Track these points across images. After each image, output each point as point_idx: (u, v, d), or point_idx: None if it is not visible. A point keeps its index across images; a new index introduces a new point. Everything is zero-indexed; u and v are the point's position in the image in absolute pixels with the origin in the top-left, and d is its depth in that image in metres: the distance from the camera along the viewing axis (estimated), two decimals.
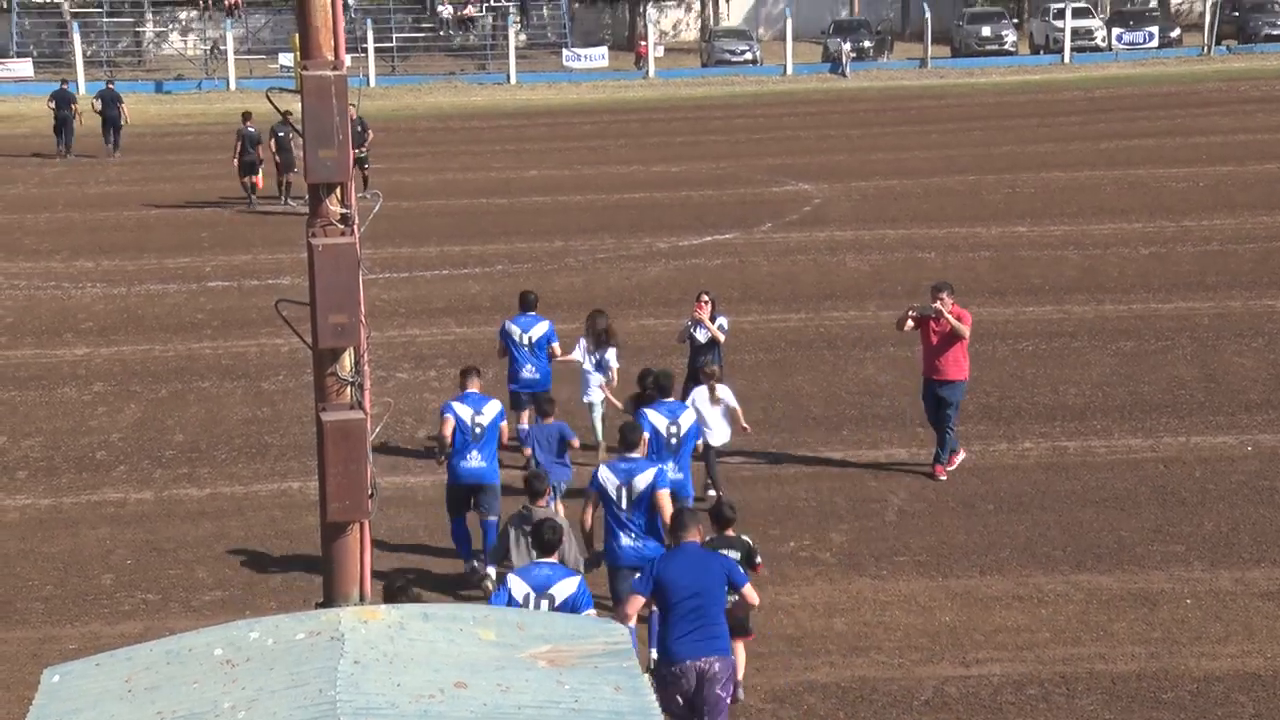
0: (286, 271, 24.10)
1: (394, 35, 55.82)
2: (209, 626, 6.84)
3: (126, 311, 22.12)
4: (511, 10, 55.58)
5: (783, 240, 25.65)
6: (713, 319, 14.98)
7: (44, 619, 12.13)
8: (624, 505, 10.63)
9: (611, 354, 15.08)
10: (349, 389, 7.56)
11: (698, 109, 45.32)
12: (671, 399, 12.48)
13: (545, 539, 9.35)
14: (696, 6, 64.91)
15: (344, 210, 7.53)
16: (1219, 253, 23.67)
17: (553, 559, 9.29)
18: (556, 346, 14.99)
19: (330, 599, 7.47)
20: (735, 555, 9.72)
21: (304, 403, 16.92)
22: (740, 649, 9.94)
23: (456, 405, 12.52)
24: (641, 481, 10.62)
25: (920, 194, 29.60)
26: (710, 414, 13.43)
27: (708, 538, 9.68)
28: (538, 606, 8.91)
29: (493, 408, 12.54)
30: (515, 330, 14.93)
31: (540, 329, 14.92)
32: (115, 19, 57.74)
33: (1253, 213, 26.54)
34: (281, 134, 28.88)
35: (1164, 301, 20.83)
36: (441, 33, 56.81)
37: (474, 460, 12.37)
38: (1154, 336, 19.16)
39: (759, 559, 10.31)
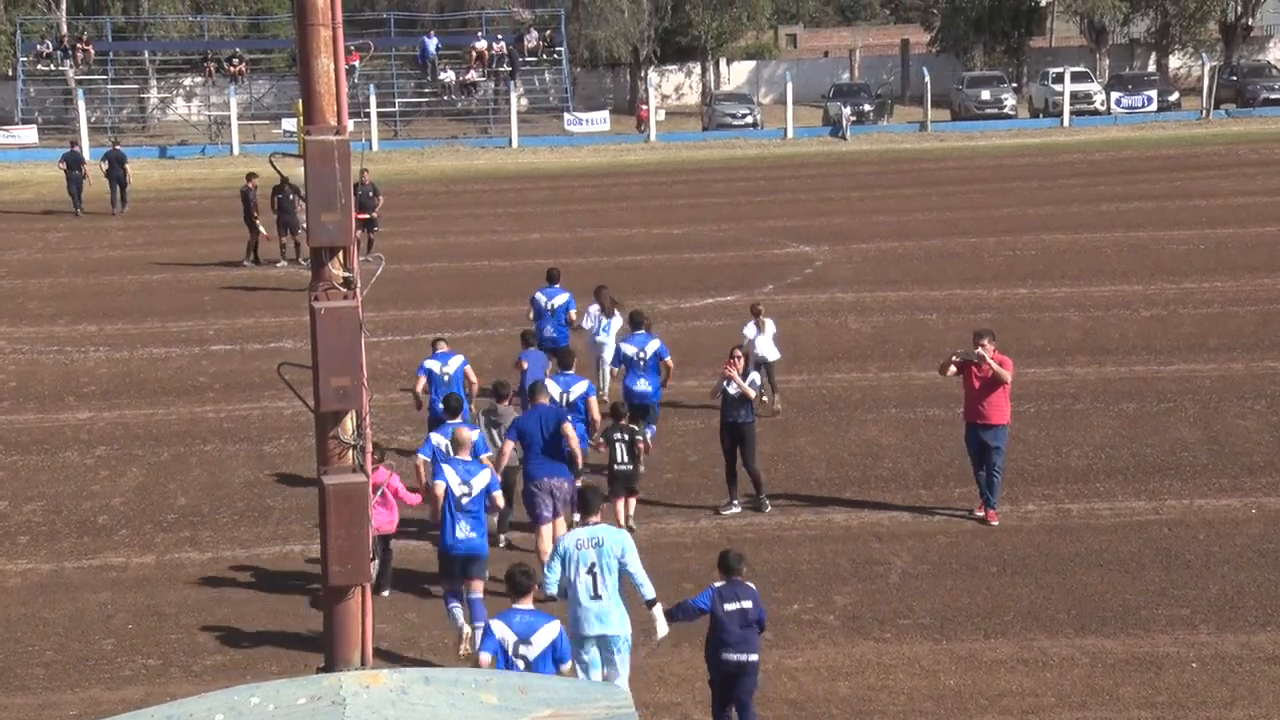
0: (289, 335, 24.16)
1: (396, 100, 56.27)
2: (210, 692, 6.81)
3: (129, 375, 22.16)
4: (514, 79, 56.03)
5: (784, 302, 25.72)
6: (745, 375, 15.25)
7: (44, 685, 12.08)
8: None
9: (616, 321, 18.74)
10: (351, 452, 7.57)
11: (699, 172, 45.58)
12: (642, 331, 16.89)
13: (519, 584, 9.69)
14: (697, 70, 65.47)
15: (346, 274, 7.58)
16: (1220, 315, 23.72)
17: (528, 603, 9.58)
18: (573, 313, 19.08)
19: (332, 664, 7.44)
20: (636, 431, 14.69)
21: (306, 466, 16.91)
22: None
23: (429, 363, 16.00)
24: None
25: (921, 256, 29.70)
26: (762, 341, 18.47)
27: None
28: (517, 654, 9.35)
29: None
30: (541, 298, 19.20)
31: (561, 298, 19.11)
32: (120, 85, 58.23)
33: (1254, 275, 26.62)
34: (282, 195, 29.25)
35: (1166, 363, 20.85)
36: (444, 97, 57.26)
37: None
38: (1156, 398, 19.17)
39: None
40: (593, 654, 10.41)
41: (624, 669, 10.47)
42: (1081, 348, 21.88)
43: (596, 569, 10.49)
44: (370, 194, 30.04)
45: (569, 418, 13.76)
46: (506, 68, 56.71)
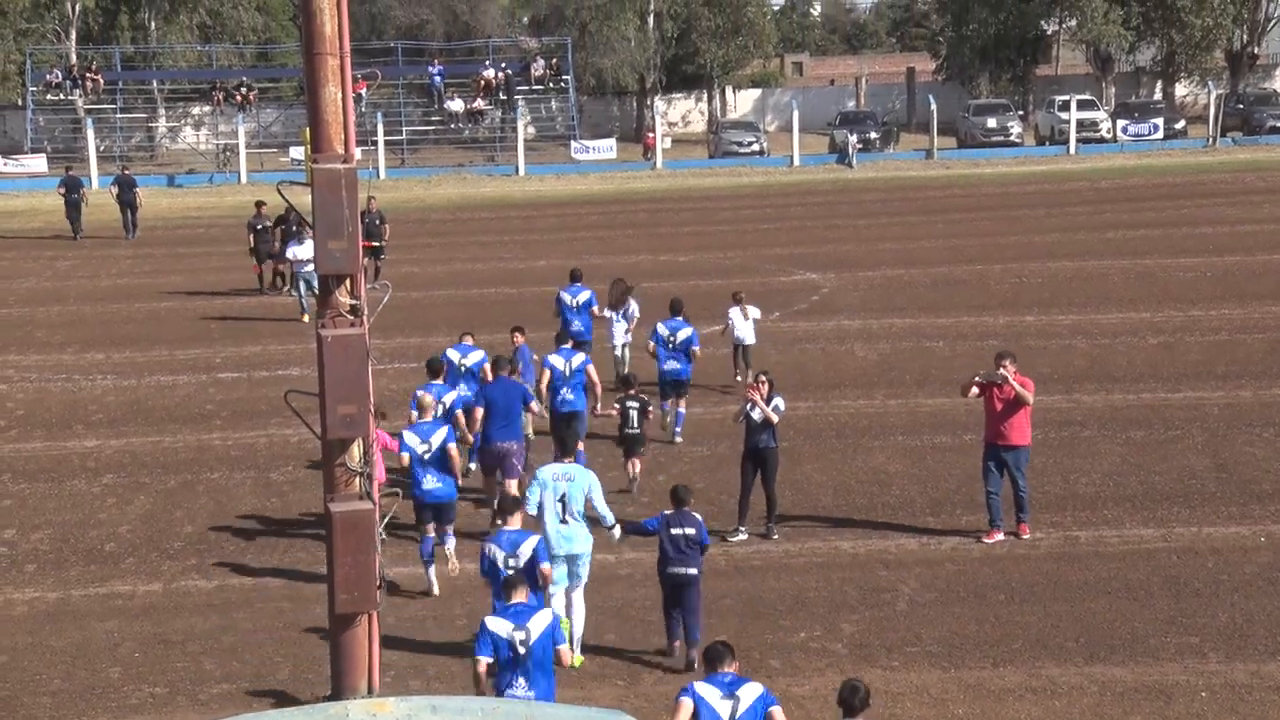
0: (296, 362, 24.20)
1: (404, 128, 56.49)
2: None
3: (136, 403, 22.19)
4: (520, 103, 56.23)
5: (791, 329, 25.72)
6: (769, 400, 15.27)
7: (51, 713, 12.06)
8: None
9: (634, 306, 21.41)
10: (358, 480, 7.58)
11: (705, 199, 45.66)
12: (679, 318, 19.29)
13: (507, 506, 12.04)
14: (704, 98, 65.68)
15: (353, 301, 7.61)
16: (1228, 342, 23.69)
17: (515, 523, 11.64)
18: (596, 309, 21.31)
19: (339, 691, 7.44)
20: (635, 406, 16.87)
21: (313, 494, 16.90)
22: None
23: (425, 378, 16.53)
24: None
25: (928, 283, 29.72)
26: (743, 326, 21.14)
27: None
28: (508, 565, 11.19)
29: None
30: (566, 296, 21.29)
31: (584, 295, 21.26)
32: (128, 114, 58.50)
33: (1261, 302, 26.61)
34: (260, 227, 30.11)
35: (1173, 391, 20.83)
36: (451, 125, 57.47)
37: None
38: (1164, 426, 19.14)
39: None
40: (561, 569, 12.39)
41: (584, 575, 12.71)
42: (1089, 375, 21.86)
43: (567, 498, 12.74)
44: (377, 222, 30.14)
45: (530, 394, 16.41)
46: (504, 96, 56.87)
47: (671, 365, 19.17)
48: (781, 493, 15.98)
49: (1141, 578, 14.07)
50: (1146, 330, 24.71)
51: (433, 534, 14.46)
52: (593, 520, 12.81)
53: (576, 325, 20.87)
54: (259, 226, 30.26)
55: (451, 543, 14.50)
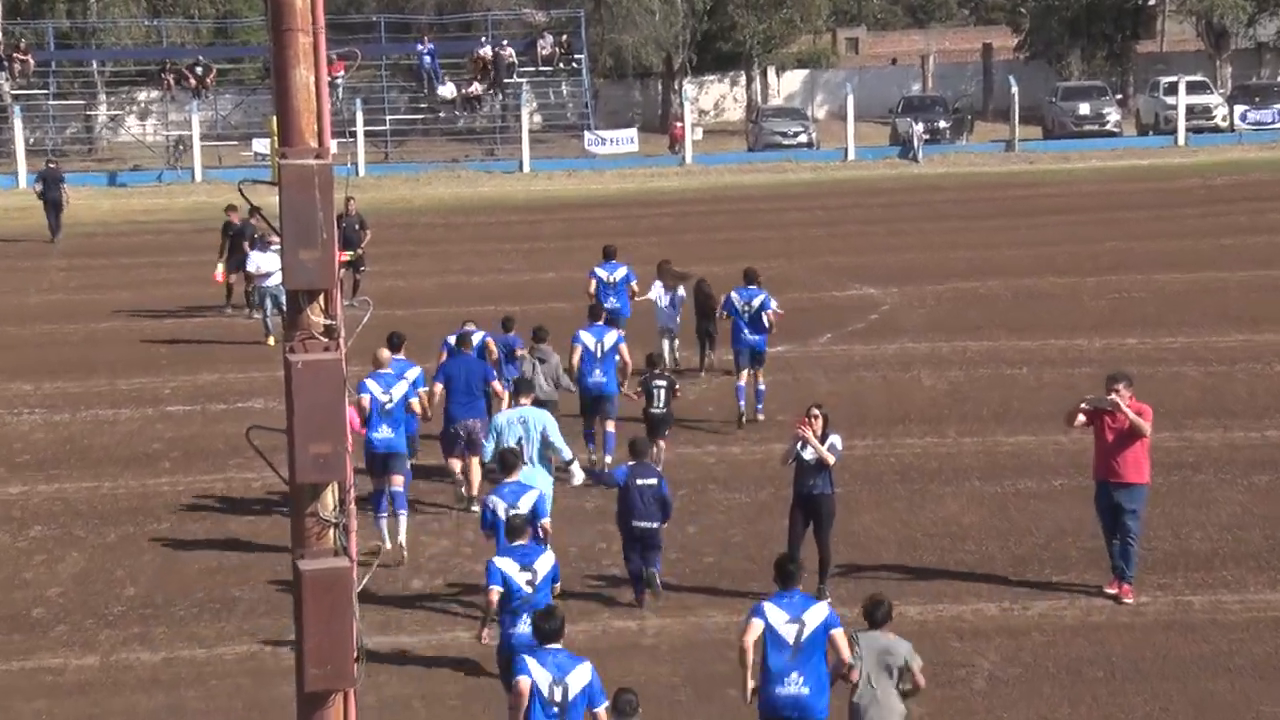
0: (259, 393, 24.26)
1: (387, 116, 56.75)
2: None
3: (70, 441, 22.27)
4: (525, 88, 56.44)
5: (845, 354, 25.69)
6: (823, 438, 15.23)
7: None
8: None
9: (680, 291, 23.93)
10: (332, 532, 7.58)
11: (743, 200, 45.70)
12: (753, 286, 21.41)
13: (508, 462, 14.42)
14: (741, 81, 65.84)
15: (328, 321, 7.62)
16: None
17: (515, 477, 13.90)
18: (635, 285, 23.93)
19: None
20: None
21: (279, 549, 16.91)
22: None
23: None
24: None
25: (1009, 299, 29.66)
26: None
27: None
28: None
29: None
30: (603, 273, 23.95)
31: (620, 272, 24.00)
32: (63, 101, 58.89)
33: None
34: (234, 233, 30.04)
35: None
36: (442, 114, 57.71)
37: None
38: None
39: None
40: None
41: (544, 516, 14.45)
42: (1202, 409, 21.77)
43: (524, 440, 15.77)
44: (356, 227, 30.21)
45: (491, 373, 18.81)
46: (506, 79, 57.02)
47: (748, 336, 21.28)
48: (835, 547, 15.94)
49: (1268, 651, 13.98)
50: (1272, 355, 24.61)
51: (396, 486, 16.87)
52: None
53: (613, 303, 23.17)
54: (233, 233, 30.09)
55: (404, 520, 16.85)
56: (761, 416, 21.60)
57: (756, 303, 21.51)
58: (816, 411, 15.52)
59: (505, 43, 58.16)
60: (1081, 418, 15.15)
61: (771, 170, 52.02)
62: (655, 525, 15.15)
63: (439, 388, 18.39)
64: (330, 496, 7.62)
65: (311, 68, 7.57)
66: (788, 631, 10.99)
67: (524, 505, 13.81)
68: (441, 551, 17.21)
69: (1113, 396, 14.93)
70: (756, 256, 34.96)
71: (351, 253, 29.29)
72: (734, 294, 21.71)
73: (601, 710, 10.55)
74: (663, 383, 19.44)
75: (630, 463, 15.37)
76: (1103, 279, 31.16)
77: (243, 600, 16.05)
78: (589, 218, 42.92)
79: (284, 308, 8.02)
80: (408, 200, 47.86)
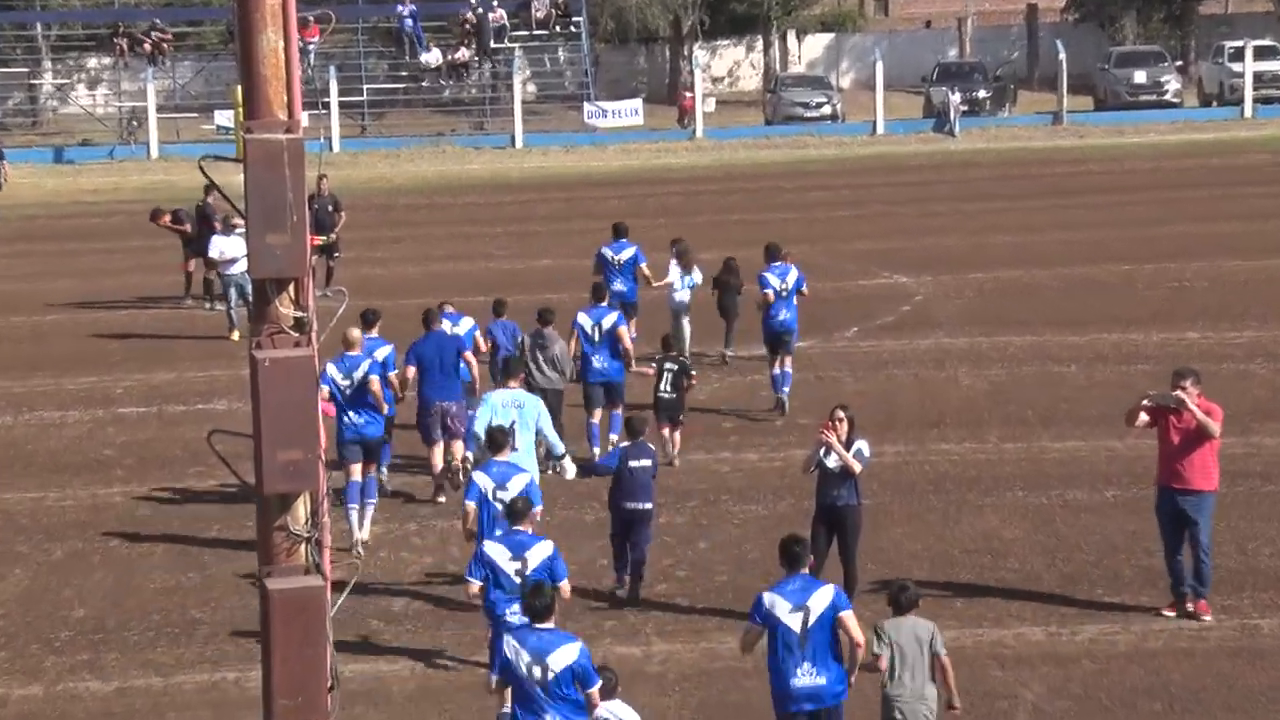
0: (222, 393, 24.27)
1: (364, 86, 56.76)
2: None
3: (12, 446, 22.27)
4: (517, 55, 56.40)
5: (874, 350, 25.67)
6: (848, 444, 15.25)
7: None
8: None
9: (696, 273, 24.48)
10: (304, 547, 7.58)
11: (760, 178, 45.67)
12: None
13: (496, 441, 15.01)
14: (758, 47, 65.80)
15: (298, 313, 7.62)
16: None
17: (504, 456, 14.28)
18: (644, 267, 24.38)
19: None
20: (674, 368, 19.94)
21: (244, 565, 16.93)
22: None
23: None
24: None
25: (1057, 289, 29.64)
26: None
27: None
28: (496, 497, 14.03)
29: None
30: (608, 253, 24.38)
31: (628, 252, 24.41)
32: (4, 68, 58.93)
33: None
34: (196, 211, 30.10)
35: None
36: (426, 82, 57.71)
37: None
38: None
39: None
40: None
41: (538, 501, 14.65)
42: (1272, 410, 21.76)
43: (516, 425, 16.25)
44: (329, 209, 30.22)
45: (467, 347, 19.39)
46: (502, 42, 56.96)
47: (784, 315, 22.24)
48: (863, 565, 15.94)
49: None
50: None
51: (358, 477, 17.48)
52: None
53: (619, 285, 23.76)
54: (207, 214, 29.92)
55: (371, 507, 17.62)
56: (785, 403, 22.11)
57: (791, 280, 22.53)
58: (841, 414, 15.51)
59: (495, 3, 58.14)
60: (1144, 417, 15.18)
61: (791, 145, 52.00)
62: (648, 506, 16.04)
63: (410, 371, 18.90)
64: (301, 508, 7.63)
65: (280, 31, 7.58)
66: (793, 621, 11.49)
67: (513, 488, 14.23)
68: (425, 569, 17.21)
69: (1177, 394, 14.96)
70: (774, 240, 34.97)
71: (324, 237, 29.30)
72: (767, 274, 22.55)
73: (594, 691, 11.16)
74: (674, 366, 20.08)
75: (625, 443, 16.33)
76: (1160, 266, 31.12)
77: (204, 624, 16.05)
78: (588, 198, 42.92)
79: (249, 298, 8.03)
80: (387, 179, 47.86)
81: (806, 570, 11.79)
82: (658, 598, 16.13)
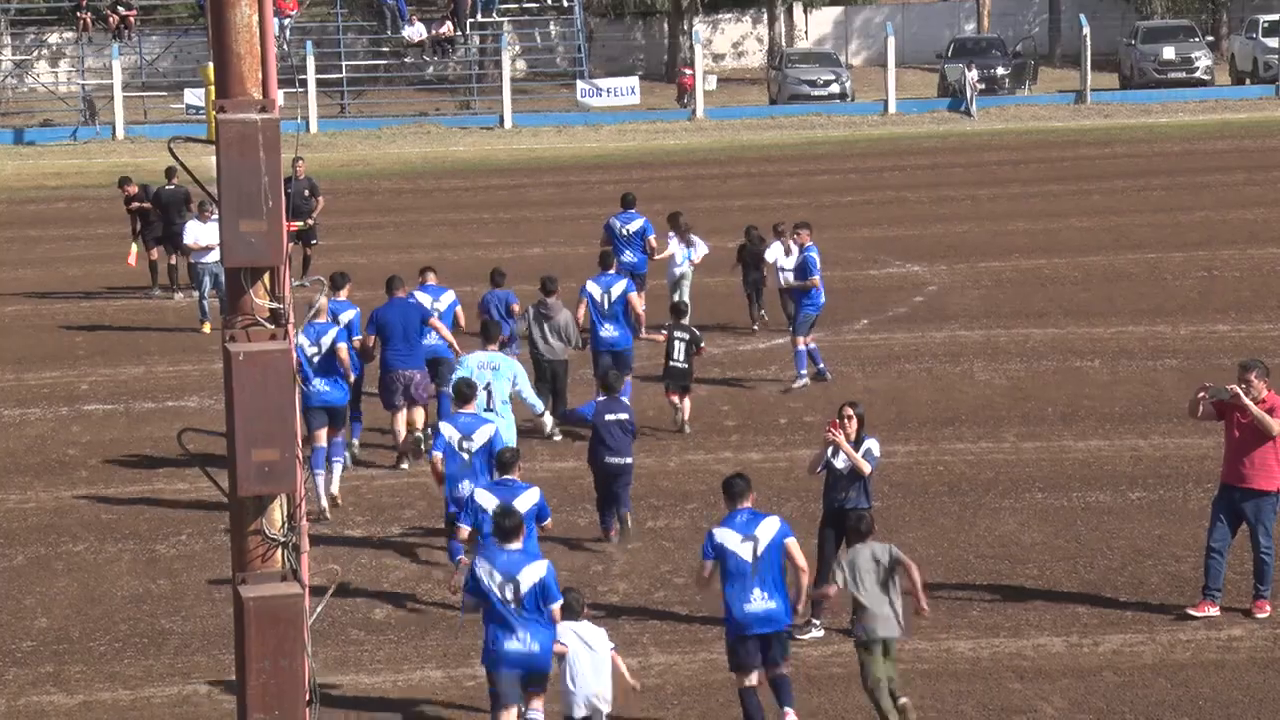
0: (193, 390, 24.28)
1: (343, 63, 56.70)
2: None
3: None
4: (506, 29, 56.36)
5: (884, 343, 25.69)
6: (857, 443, 15.29)
7: None
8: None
9: (701, 245, 26.00)
10: (281, 552, 7.61)
11: (764, 161, 45.65)
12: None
13: (462, 393, 16.52)
14: (763, 21, 65.74)
15: (274, 305, 7.65)
16: None
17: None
18: (653, 239, 25.92)
19: None
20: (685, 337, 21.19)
21: (217, 572, 16.95)
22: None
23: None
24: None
25: (1078, 279, 29.66)
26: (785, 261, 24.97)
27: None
28: (462, 447, 15.87)
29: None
30: (617, 224, 25.99)
31: (637, 223, 25.93)
32: None
33: None
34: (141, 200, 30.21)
35: None
36: (409, 59, 57.67)
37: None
38: None
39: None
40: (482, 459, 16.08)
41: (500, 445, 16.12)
42: None
43: (491, 386, 17.75)
44: (306, 193, 30.21)
45: (434, 315, 20.43)
46: (489, 16, 56.89)
47: (628, 258, 24.17)
48: None
49: None
50: None
51: (324, 443, 18.64)
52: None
53: (628, 257, 25.27)
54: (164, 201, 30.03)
55: (338, 469, 18.91)
56: (806, 374, 23.26)
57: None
58: (850, 411, 15.51)
59: None
60: (1208, 409, 15.35)
61: (798, 126, 51.97)
62: (628, 460, 17.57)
63: (372, 339, 19.99)
64: (278, 511, 7.66)
65: (255, 4, 7.60)
66: (744, 550, 13.10)
67: (478, 438, 15.97)
68: (408, 576, 17.24)
69: (1231, 387, 15.10)
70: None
71: (301, 223, 29.31)
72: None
73: (555, 608, 12.71)
74: (684, 335, 21.25)
75: (601, 397, 17.87)
76: (1189, 255, 31.14)
77: (174, 634, 16.06)
78: (582, 182, 42.92)
79: (222, 288, 8.05)
80: (367, 161, 47.83)
81: (749, 504, 13.32)
82: (655, 605, 16.16)
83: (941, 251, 32.24)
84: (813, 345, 23.43)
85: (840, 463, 15.36)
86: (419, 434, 19.83)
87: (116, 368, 25.95)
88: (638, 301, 22.20)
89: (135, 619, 16.44)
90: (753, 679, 13.08)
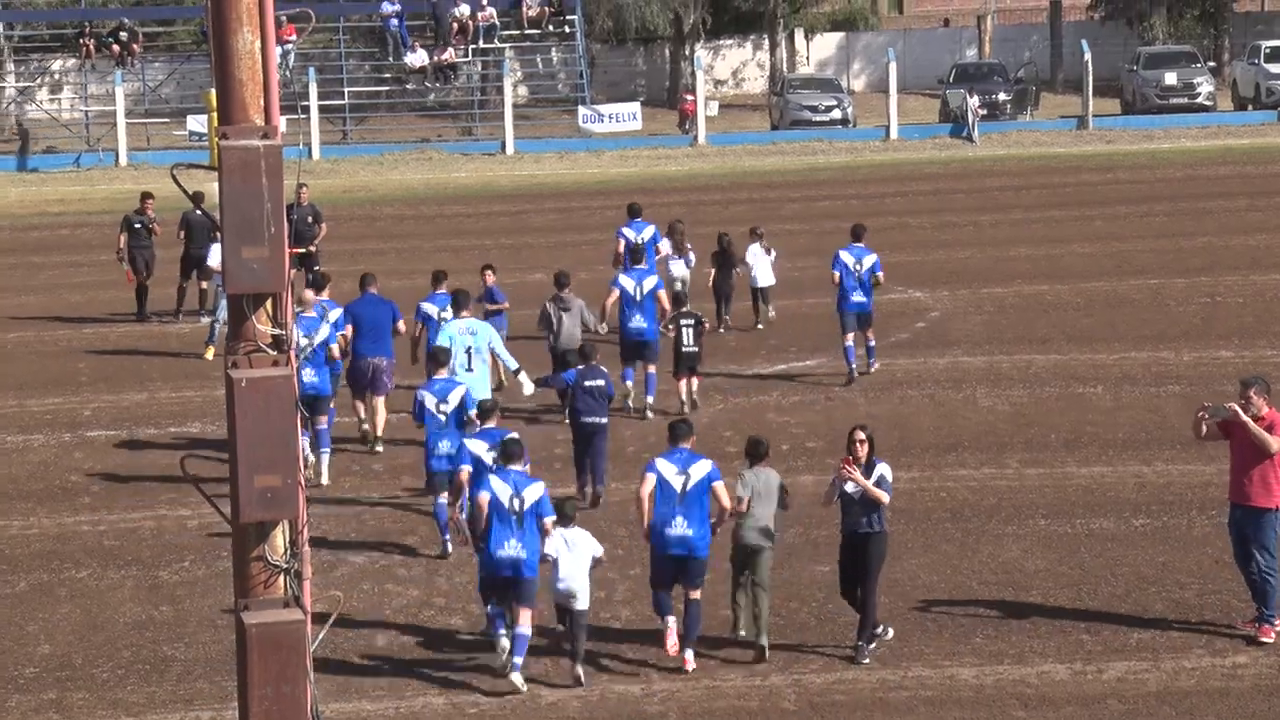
0: (196, 416, 24.27)
1: (346, 90, 56.79)
2: None
3: None
4: (508, 55, 56.40)
5: (887, 369, 25.68)
6: (868, 468, 15.26)
7: None
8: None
9: (690, 257, 28.06)
10: (283, 579, 7.60)
11: (765, 187, 45.67)
12: (861, 244, 24.71)
13: (439, 359, 18.83)
14: (764, 47, 65.88)
15: (277, 331, 7.65)
16: None
17: (444, 374, 18.34)
18: (661, 245, 27.58)
19: None
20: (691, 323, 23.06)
21: (219, 599, 16.93)
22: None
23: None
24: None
25: (1080, 305, 29.65)
26: (763, 265, 28.44)
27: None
28: (439, 410, 17.98)
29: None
30: (630, 233, 27.22)
31: (649, 231, 27.56)
32: None
33: None
34: (138, 225, 30.25)
35: None
36: (411, 85, 57.72)
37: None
38: None
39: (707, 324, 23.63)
40: (471, 413, 17.88)
41: (472, 405, 18.03)
42: None
43: (471, 349, 20.10)
44: (309, 220, 30.24)
45: (399, 312, 22.34)
46: (492, 42, 56.93)
47: (858, 298, 24.35)
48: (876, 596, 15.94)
49: None
50: None
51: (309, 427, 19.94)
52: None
53: (644, 263, 25.98)
54: (136, 225, 30.28)
55: (326, 458, 20.66)
56: (876, 366, 25.01)
57: (868, 263, 24.45)
58: (861, 435, 15.47)
59: (485, 1, 58.20)
60: (1211, 429, 15.36)
61: (799, 152, 52.00)
62: (603, 420, 19.66)
63: (349, 330, 21.78)
64: (280, 537, 7.65)
65: (257, 31, 7.61)
66: (676, 482, 15.23)
67: (452, 400, 18.06)
68: (410, 603, 17.21)
69: (1230, 405, 15.17)
70: (782, 253, 34.97)
71: (304, 249, 29.32)
72: (843, 253, 24.56)
73: (549, 521, 14.99)
74: (690, 321, 23.14)
75: (580, 366, 19.94)
76: (1192, 280, 31.13)
77: (176, 660, 16.05)
78: (584, 208, 42.92)
79: (224, 314, 8.05)
80: (370, 188, 47.86)
81: (688, 446, 15.49)
82: (658, 629, 16.11)
83: (944, 277, 32.25)
84: (871, 342, 24.92)
85: (851, 488, 15.34)
86: (367, 428, 22.06)
87: (119, 393, 25.95)
88: (664, 297, 23.60)
89: (138, 645, 16.43)
90: (668, 597, 15.37)
